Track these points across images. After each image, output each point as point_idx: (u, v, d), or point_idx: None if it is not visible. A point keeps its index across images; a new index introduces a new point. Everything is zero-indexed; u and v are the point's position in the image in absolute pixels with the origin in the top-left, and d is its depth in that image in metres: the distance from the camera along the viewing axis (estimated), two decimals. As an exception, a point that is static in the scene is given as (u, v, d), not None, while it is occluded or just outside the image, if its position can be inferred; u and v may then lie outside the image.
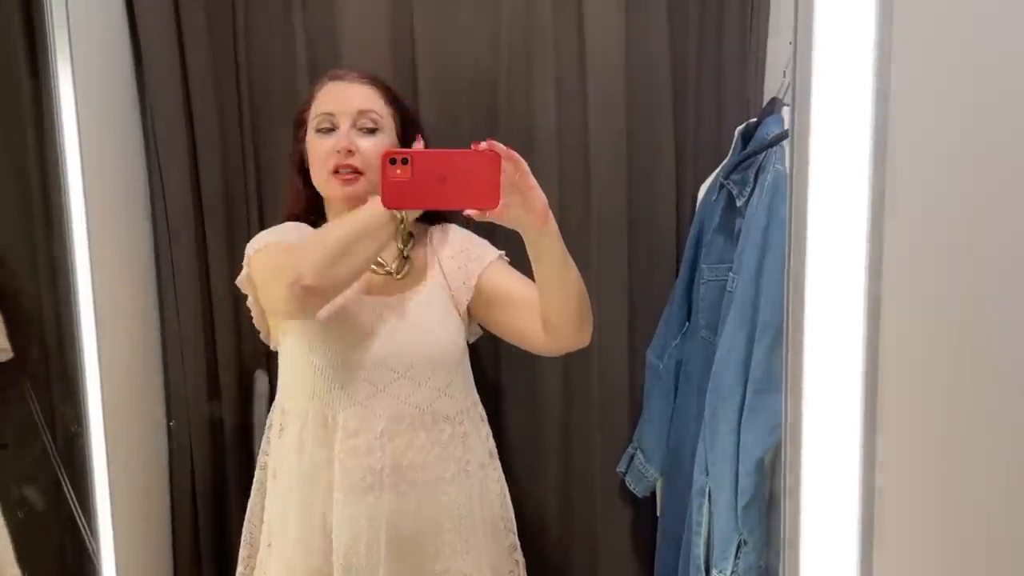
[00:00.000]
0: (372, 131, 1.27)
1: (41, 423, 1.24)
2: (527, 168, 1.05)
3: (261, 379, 1.64)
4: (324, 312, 1.23)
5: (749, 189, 1.31)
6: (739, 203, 1.33)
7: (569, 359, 1.63)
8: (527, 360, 1.35)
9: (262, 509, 1.34)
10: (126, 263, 1.54)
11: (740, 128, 1.46)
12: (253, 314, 1.33)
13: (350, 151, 1.24)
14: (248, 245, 1.28)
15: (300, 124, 1.33)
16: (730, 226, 1.43)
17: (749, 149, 1.32)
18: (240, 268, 1.29)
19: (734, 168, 1.35)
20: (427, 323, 1.28)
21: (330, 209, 1.34)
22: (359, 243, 1.13)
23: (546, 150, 1.64)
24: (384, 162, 0.98)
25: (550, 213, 1.10)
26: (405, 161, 0.98)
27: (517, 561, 1.38)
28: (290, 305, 1.16)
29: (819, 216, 0.71)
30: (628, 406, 1.70)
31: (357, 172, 1.25)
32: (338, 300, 1.24)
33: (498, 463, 1.39)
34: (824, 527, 0.72)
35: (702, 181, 1.63)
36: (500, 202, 1.02)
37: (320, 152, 1.27)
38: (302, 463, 1.26)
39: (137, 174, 1.59)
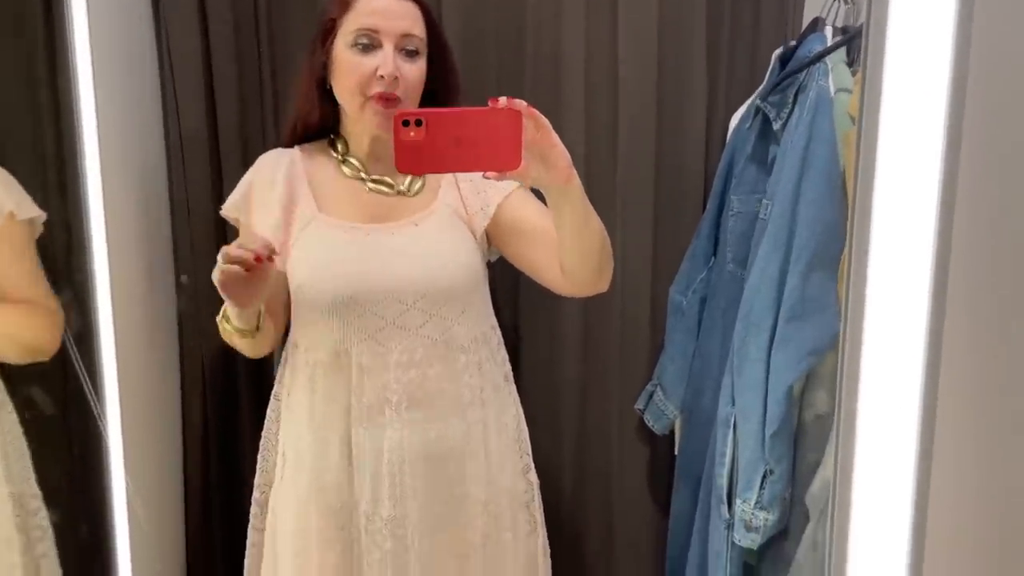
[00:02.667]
0: (414, 54, 1.19)
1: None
2: (548, 125, 0.96)
3: None
4: (326, 244, 1.20)
5: (787, 111, 1.26)
6: (775, 126, 1.28)
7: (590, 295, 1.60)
8: (547, 295, 1.31)
9: (277, 441, 1.31)
10: (137, 182, 1.50)
11: (778, 52, 1.40)
12: None
13: (397, 78, 1.16)
14: (225, 205, 1.27)
15: (327, 31, 1.21)
16: (763, 154, 1.37)
17: (789, 68, 1.26)
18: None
19: (772, 89, 1.29)
20: (439, 251, 1.22)
21: (350, 125, 1.26)
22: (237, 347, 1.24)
23: (573, 80, 1.59)
24: (396, 123, 0.90)
25: (574, 171, 1.02)
26: (419, 122, 0.90)
27: (531, 482, 1.35)
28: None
29: (890, 142, 0.65)
30: (649, 345, 1.67)
31: (397, 100, 1.17)
32: (340, 234, 1.21)
33: (513, 386, 1.35)
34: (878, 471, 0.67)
35: (734, 114, 1.58)
36: (521, 162, 0.94)
37: (359, 73, 1.16)
38: (315, 397, 1.23)
39: (151, 97, 1.55)
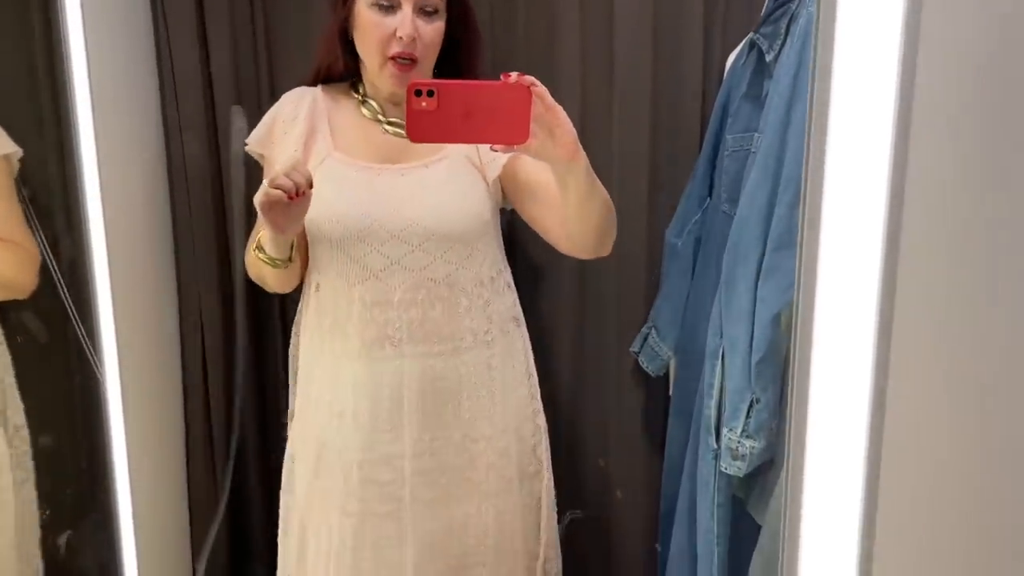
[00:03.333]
0: (433, 14, 1.21)
1: (48, 255, 1.23)
2: (555, 104, 0.98)
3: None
4: (338, 181, 1.22)
5: (780, 42, 1.24)
6: (768, 58, 1.27)
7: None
8: (541, 238, 1.32)
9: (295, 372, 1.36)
10: (132, 119, 1.51)
11: (774, -16, 1.38)
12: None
13: (414, 39, 1.19)
14: (249, 139, 1.30)
15: None
16: (758, 90, 1.36)
17: (782, -3, 1.25)
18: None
19: (765, 20, 1.28)
20: (446, 195, 1.25)
21: (369, 75, 1.28)
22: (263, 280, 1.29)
23: (568, 18, 1.58)
24: (409, 93, 0.92)
25: (579, 147, 1.04)
26: (431, 92, 0.93)
27: (539, 426, 1.37)
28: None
29: (845, 71, 0.64)
30: (645, 287, 1.67)
31: (414, 60, 1.20)
32: (352, 172, 1.23)
33: (524, 331, 1.38)
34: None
35: (730, 54, 1.56)
36: (529, 137, 0.97)
37: (377, 33, 1.20)
38: (322, 330, 1.28)
39: (144, 40, 1.55)
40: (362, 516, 1.25)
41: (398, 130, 1.28)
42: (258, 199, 1.07)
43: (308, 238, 1.27)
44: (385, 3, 1.19)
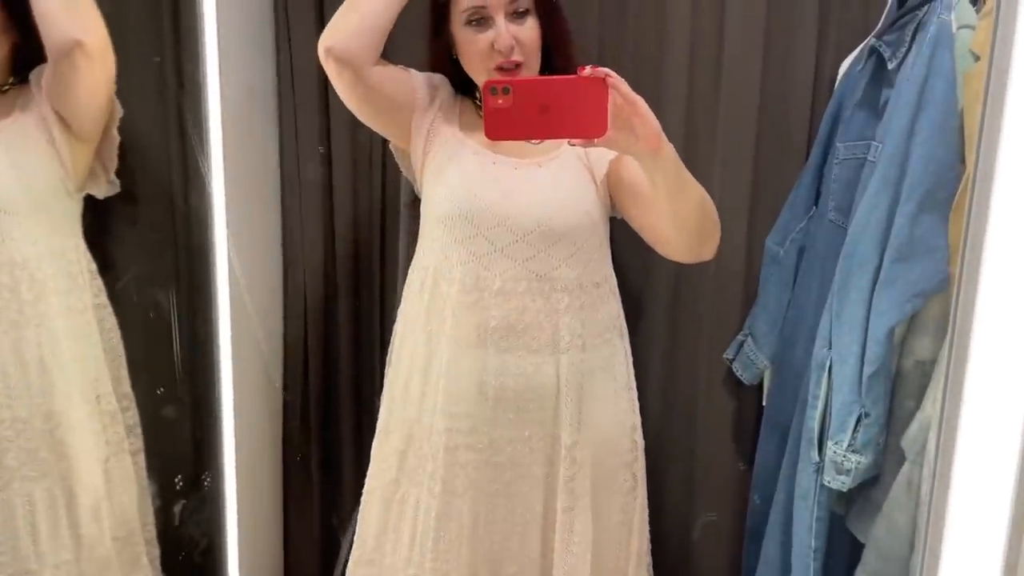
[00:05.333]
0: (524, 14, 1.22)
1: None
2: (633, 95, 0.96)
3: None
4: (457, 162, 1.25)
5: (904, 49, 1.21)
6: (891, 66, 1.23)
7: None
8: (640, 241, 1.32)
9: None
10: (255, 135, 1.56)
11: (897, -10, 1.35)
12: (396, 159, 1.39)
13: (512, 47, 1.20)
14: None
15: (440, 12, 1.27)
16: (875, 98, 1.33)
17: (908, 4, 1.21)
18: None
19: (889, 27, 1.25)
20: (556, 191, 1.26)
21: None
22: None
23: (678, 21, 1.57)
24: (485, 91, 0.94)
25: (664, 138, 1.02)
26: (507, 90, 0.94)
27: (635, 442, 1.36)
28: (338, 84, 1.24)
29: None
30: (742, 294, 1.65)
31: (518, 65, 1.22)
32: (471, 156, 1.26)
33: (627, 343, 1.37)
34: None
35: (844, 60, 1.53)
36: (608, 130, 0.96)
37: (477, 49, 1.22)
38: (419, 309, 1.30)
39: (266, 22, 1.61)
40: (444, 498, 1.26)
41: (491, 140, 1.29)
42: None
43: (423, 216, 1.31)
44: (477, 18, 1.21)
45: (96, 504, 1.19)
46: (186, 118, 1.34)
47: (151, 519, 1.30)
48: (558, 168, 1.27)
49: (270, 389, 1.67)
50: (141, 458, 1.31)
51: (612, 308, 1.34)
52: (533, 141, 1.28)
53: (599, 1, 1.59)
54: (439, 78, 1.34)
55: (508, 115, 0.94)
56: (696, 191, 1.13)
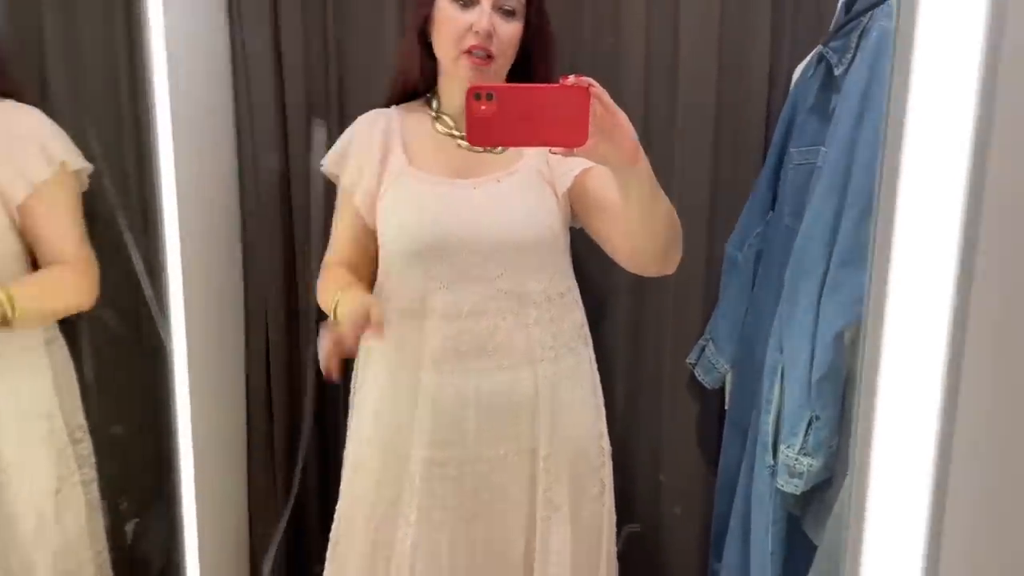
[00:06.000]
0: (511, 14, 1.22)
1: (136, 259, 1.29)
2: (613, 105, 0.97)
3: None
4: (412, 195, 1.24)
5: (850, 56, 1.22)
6: (837, 72, 1.25)
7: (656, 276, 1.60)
8: (600, 249, 1.33)
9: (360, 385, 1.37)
10: (208, 134, 1.56)
11: (844, -4, 1.36)
12: None
13: (490, 34, 1.20)
14: (325, 160, 1.33)
15: None
16: (825, 104, 1.34)
17: (854, 10, 1.23)
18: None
19: (835, 34, 1.26)
20: (518, 208, 1.26)
21: (446, 82, 1.31)
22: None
23: (633, 28, 1.58)
24: (469, 97, 0.93)
25: (641, 151, 1.03)
26: (490, 96, 0.93)
27: (603, 448, 1.37)
28: None
29: (924, 78, 0.64)
30: (703, 299, 1.66)
31: (490, 56, 1.21)
32: (426, 187, 1.25)
33: (591, 351, 1.38)
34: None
35: (798, 66, 1.55)
36: (588, 140, 0.96)
37: (455, 26, 1.21)
38: (391, 339, 1.27)
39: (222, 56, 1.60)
40: (420, 525, 1.26)
41: (472, 145, 1.29)
42: (324, 347, 1.12)
43: (381, 250, 1.30)
44: None
45: (36, 537, 1.18)
46: (142, 139, 1.33)
47: (104, 547, 1.29)
48: (518, 183, 1.27)
49: (232, 408, 1.67)
50: (94, 488, 1.30)
51: (577, 317, 1.35)
52: (496, 149, 1.29)
53: (555, 11, 1.60)
54: (371, 115, 1.33)
55: (490, 121, 0.94)
56: (666, 204, 1.14)
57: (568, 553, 1.29)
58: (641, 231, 1.15)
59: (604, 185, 1.23)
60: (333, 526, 1.36)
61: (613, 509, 1.38)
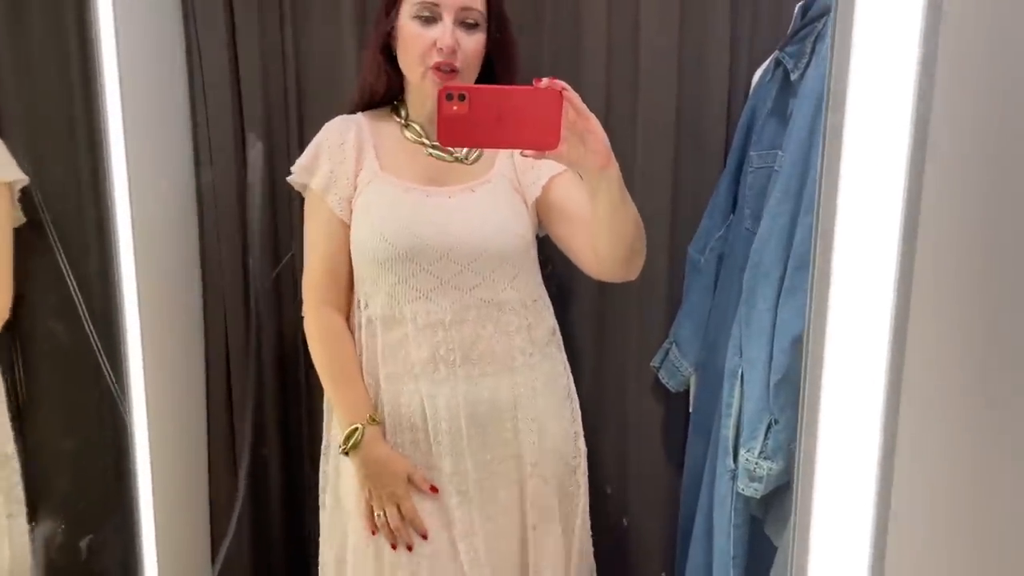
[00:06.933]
0: (473, 27, 1.22)
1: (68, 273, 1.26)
2: (586, 109, 0.97)
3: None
4: (386, 200, 1.24)
5: (805, 61, 1.24)
6: (793, 77, 1.26)
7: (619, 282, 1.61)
8: (563, 254, 1.33)
9: None
10: (162, 146, 1.53)
11: (801, 2, 1.38)
12: None
13: (454, 50, 1.20)
14: (294, 169, 1.30)
15: (393, 2, 1.25)
16: (783, 108, 1.36)
17: (809, 15, 1.24)
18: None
19: (791, 39, 1.28)
20: (493, 217, 1.26)
21: (412, 93, 1.30)
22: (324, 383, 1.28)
23: (594, 34, 1.59)
24: (440, 97, 0.92)
25: (612, 157, 1.04)
26: (462, 97, 0.92)
27: (579, 449, 1.37)
28: None
29: (861, 91, 0.64)
30: (666, 303, 1.67)
31: (455, 70, 1.21)
32: (400, 193, 1.24)
33: (563, 355, 1.38)
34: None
35: (757, 70, 1.56)
36: (560, 143, 0.96)
37: (419, 44, 1.21)
38: (371, 351, 1.27)
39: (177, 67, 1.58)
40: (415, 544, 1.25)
41: (442, 154, 1.29)
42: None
43: (355, 257, 1.28)
44: (426, 14, 1.20)
45: None
46: (95, 139, 1.31)
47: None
48: (491, 192, 1.28)
49: (192, 416, 1.64)
50: (21, 521, 1.27)
51: (549, 322, 1.36)
52: (467, 159, 1.29)
53: (515, 17, 1.59)
54: (340, 121, 1.31)
55: (462, 122, 0.93)
56: (633, 210, 1.15)
57: (561, 558, 1.31)
58: (608, 236, 1.16)
59: (570, 194, 1.25)
60: (322, 538, 1.36)
61: (587, 508, 1.39)
